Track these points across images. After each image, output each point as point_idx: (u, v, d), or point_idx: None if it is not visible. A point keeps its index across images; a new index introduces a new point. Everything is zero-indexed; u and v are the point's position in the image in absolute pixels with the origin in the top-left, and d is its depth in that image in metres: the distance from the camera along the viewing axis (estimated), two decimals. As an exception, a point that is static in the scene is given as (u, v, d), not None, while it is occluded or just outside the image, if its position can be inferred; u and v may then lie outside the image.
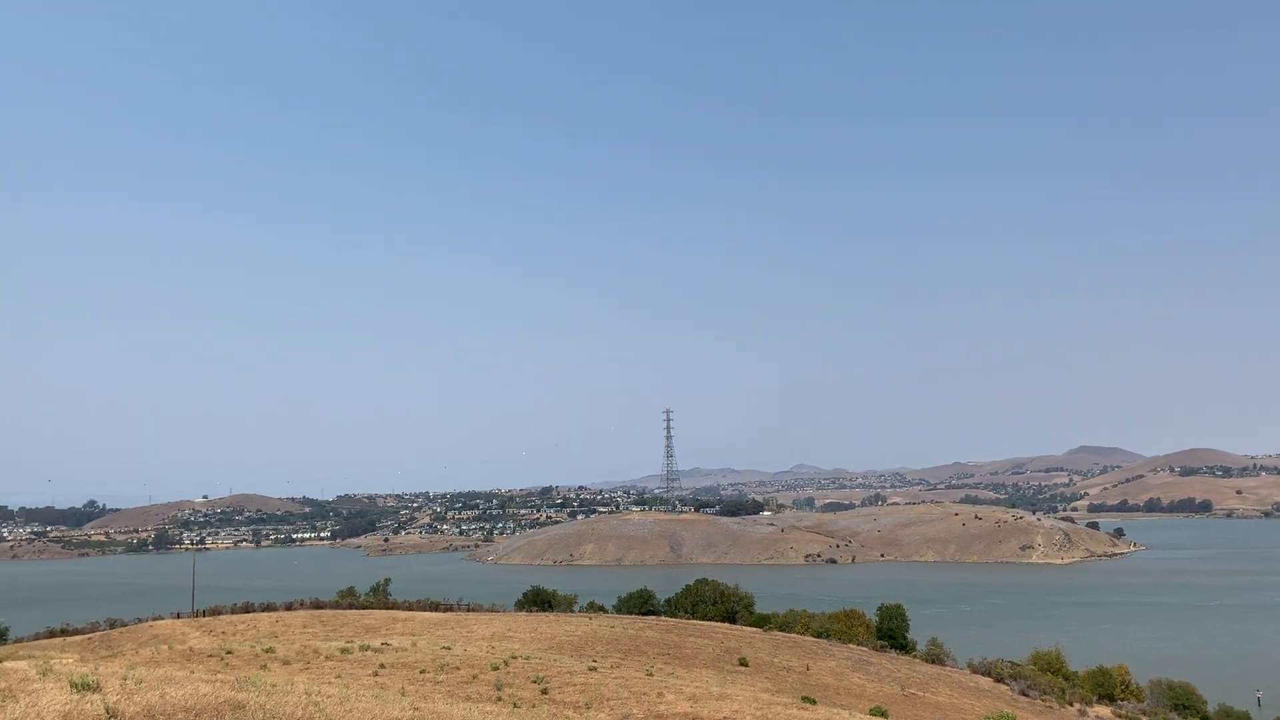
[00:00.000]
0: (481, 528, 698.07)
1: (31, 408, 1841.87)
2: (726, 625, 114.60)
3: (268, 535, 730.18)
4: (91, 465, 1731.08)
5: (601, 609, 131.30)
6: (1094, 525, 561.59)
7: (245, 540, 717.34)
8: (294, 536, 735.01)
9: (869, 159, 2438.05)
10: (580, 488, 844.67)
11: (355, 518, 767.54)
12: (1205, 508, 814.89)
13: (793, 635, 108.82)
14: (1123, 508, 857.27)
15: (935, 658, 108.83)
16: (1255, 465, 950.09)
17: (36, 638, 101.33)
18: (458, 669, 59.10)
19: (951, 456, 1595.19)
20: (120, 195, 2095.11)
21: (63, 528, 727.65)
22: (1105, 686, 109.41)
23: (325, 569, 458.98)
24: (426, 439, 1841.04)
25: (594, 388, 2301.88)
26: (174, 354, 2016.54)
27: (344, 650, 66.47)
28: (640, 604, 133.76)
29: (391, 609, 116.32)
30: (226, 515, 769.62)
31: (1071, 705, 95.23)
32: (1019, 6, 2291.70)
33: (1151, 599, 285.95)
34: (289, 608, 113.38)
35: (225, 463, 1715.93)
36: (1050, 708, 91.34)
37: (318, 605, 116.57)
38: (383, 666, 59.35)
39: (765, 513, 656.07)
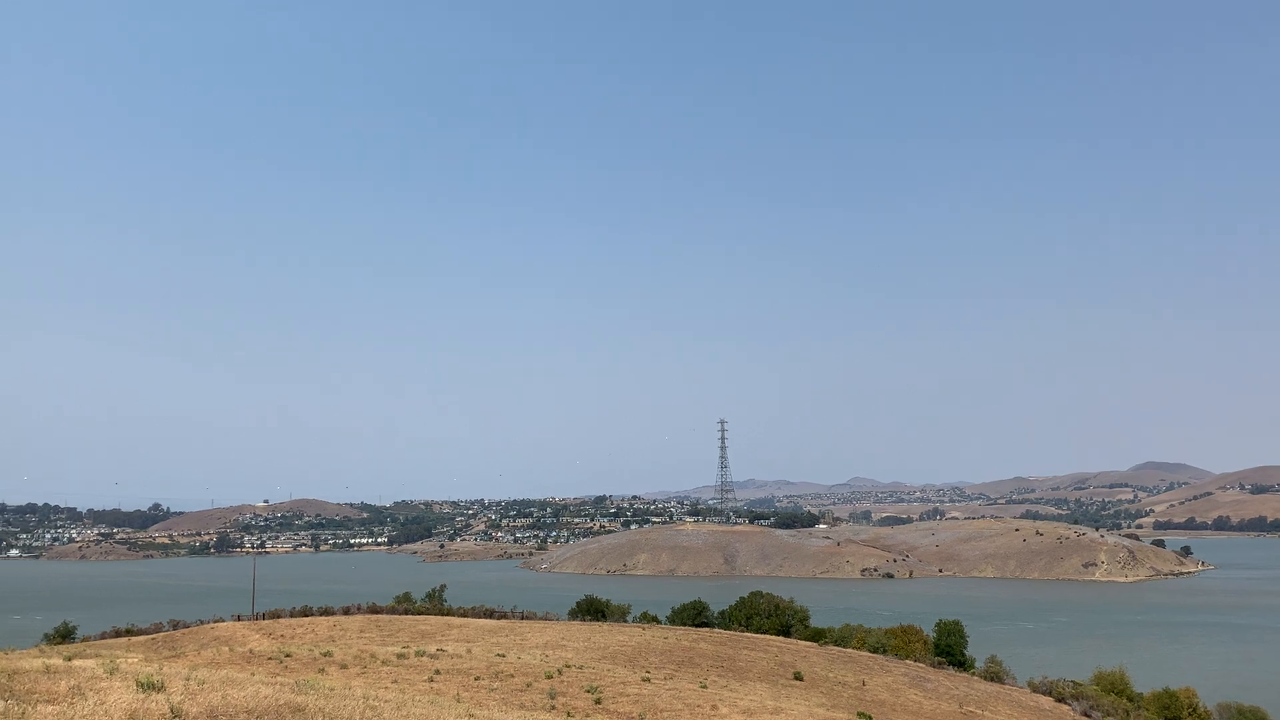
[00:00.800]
0: (535, 535, 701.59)
1: (105, 410, 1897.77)
2: (781, 639, 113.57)
3: (326, 540, 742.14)
4: (158, 466, 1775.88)
5: (655, 620, 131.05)
6: (1159, 543, 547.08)
7: (304, 544, 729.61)
8: (351, 541, 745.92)
9: (919, 175, 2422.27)
10: (634, 497, 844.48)
11: (411, 524, 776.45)
12: (1277, 527, 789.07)
13: (848, 650, 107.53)
14: (1190, 525, 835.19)
15: (994, 675, 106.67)
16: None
17: (103, 637, 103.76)
18: (512, 676, 59.31)
19: (1011, 471, 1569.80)
20: (227, 216, 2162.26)
21: (128, 529, 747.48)
22: (1172, 710, 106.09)
23: (381, 574, 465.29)
24: (482, 447, 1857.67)
25: (649, 398, 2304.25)
26: (242, 365, 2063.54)
27: (400, 655, 67.11)
28: (694, 615, 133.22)
29: (447, 615, 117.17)
30: (286, 519, 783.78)
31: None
32: (1041, 26, 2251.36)
33: (1221, 619, 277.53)
34: (346, 612, 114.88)
35: (286, 468, 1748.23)
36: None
37: (374, 610, 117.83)
38: (438, 672, 59.77)
39: (821, 526, 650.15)
